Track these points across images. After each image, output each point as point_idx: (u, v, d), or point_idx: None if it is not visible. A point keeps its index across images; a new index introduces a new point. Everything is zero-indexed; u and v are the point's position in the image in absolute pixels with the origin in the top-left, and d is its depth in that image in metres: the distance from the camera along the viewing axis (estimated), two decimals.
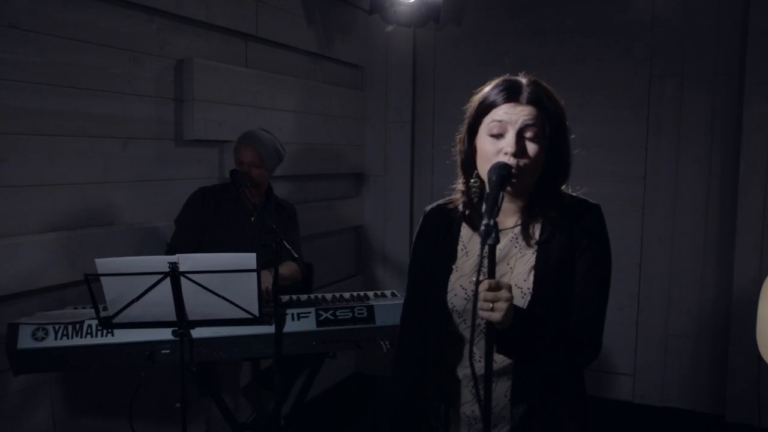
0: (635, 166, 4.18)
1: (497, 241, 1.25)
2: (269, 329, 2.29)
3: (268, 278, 2.52)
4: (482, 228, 1.24)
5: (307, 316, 2.37)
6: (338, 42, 4.31)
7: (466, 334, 1.53)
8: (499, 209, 1.30)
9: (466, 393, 1.54)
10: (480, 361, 1.50)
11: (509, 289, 1.32)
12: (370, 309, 2.44)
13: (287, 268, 2.80)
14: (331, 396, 4.32)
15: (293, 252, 2.31)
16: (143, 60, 2.95)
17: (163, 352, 2.25)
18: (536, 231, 1.52)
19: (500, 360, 1.47)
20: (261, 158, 2.91)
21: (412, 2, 3.98)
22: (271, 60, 3.76)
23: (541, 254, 1.49)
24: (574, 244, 1.50)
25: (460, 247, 1.58)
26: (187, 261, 2.02)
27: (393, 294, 2.82)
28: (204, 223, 2.90)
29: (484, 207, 1.29)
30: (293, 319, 2.36)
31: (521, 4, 4.34)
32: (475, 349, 1.51)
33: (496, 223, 1.26)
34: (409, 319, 1.67)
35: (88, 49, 2.67)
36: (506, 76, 1.55)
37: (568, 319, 1.47)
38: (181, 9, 3.07)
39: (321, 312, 2.40)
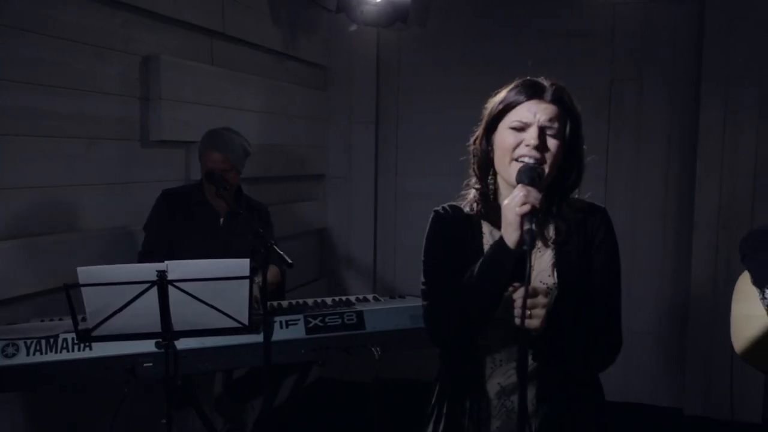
0: (596, 167, 4.27)
1: (533, 246, 1.23)
2: (257, 338, 2.20)
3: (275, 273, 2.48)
4: (526, 235, 1.22)
5: (295, 324, 2.29)
6: (303, 41, 4.22)
7: (493, 342, 1.50)
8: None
9: (496, 404, 1.51)
10: (501, 365, 1.50)
11: (545, 294, 1.31)
12: (360, 315, 2.38)
13: (272, 273, 2.71)
14: (296, 403, 4.22)
15: (286, 257, 2.22)
16: (107, 56, 2.79)
17: (145, 365, 2.12)
18: (550, 231, 1.53)
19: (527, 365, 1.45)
20: (229, 162, 2.80)
21: (378, 2, 3.94)
22: (236, 58, 3.65)
23: (560, 252, 1.51)
24: (588, 241, 1.53)
25: (485, 246, 1.55)
26: (176, 269, 1.92)
27: (375, 298, 2.77)
28: (173, 227, 2.77)
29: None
30: (282, 327, 2.28)
31: (485, 7, 4.36)
32: (498, 357, 1.49)
33: (532, 231, 1.24)
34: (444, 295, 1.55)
35: (49, 43, 2.51)
36: (527, 77, 1.53)
37: (592, 315, 1.47)
38: (146, 2, 2.93)
39: (310, 319, 2.32)
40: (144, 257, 2.69)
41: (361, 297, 2.76)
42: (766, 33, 3.83)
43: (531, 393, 1.48)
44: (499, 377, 1.51)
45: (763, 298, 2.44)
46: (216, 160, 2.79)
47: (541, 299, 1.30)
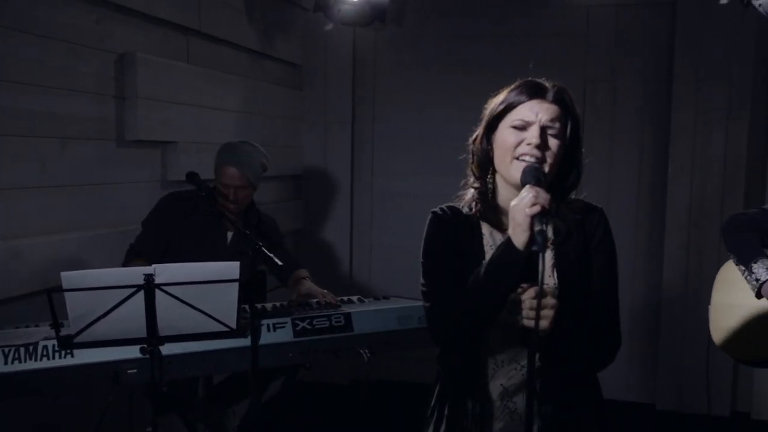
0: None
1: (546, 248, 1.23)
2: (245, 342, 2.16)
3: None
4: (537, 236, 1.21)
5: (283, 327, 2.25)
6: (278, 40, 4.17)
7: (496, 343, 1.50)
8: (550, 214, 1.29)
9: (498, 405, 1.51)
10: (503, 366, 1.50)
11: (553, 294, 1.31)
12: (347, 317, 2.35)
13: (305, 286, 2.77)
14: (282, 407, 4.16)
15: (276, 259, 2.18)
16: (82, 53, 2.71)
17: (129, 372, 2.06)
18: (549, 232, 1.52)
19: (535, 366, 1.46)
20: (247, 180, 2.72)
21: (356, 1, 3.91)
22: (212, 57, 3.58)
23: (560, 253, 1.52)
24: (587, 241, 1.54)
25: (486, 246, 1.54)
26: (164, 272, 1.87)
27: (360, 300, 2.75)
28: (175, 233, 2.69)
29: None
30: (269, 330, 2.23)
31: (461, 7, 4.37)
32: (501, 358, 1.49)
33: (544, 232, 1.24)
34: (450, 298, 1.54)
35: (21, 39, 2.41)
36: (528, 78, 1.54)
37: (592, 315, 1.48)
38: None
39: (297, 321, 2.28)
40: (132, 253, 2.62)
41: (345, 299, 2.73)
42: (735, 37, 3.92)
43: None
44: (502, 378, 1.51)
45: (751, 273, 2.49)
46: (233, 176, 2.69)
47: (550, 300, 1.30)
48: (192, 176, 2.63)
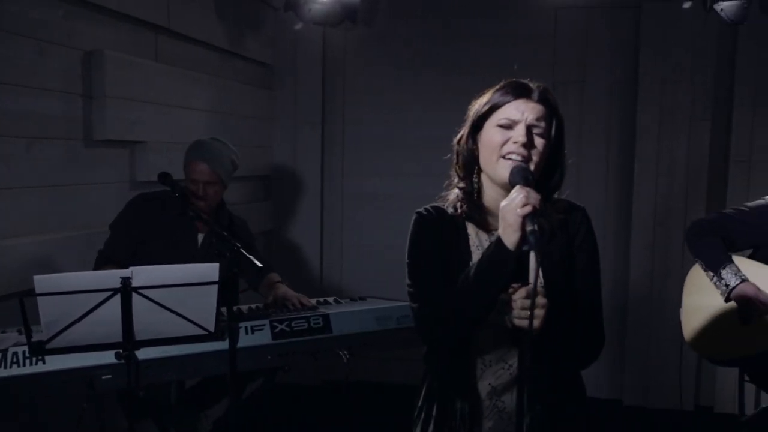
0: None
1: (540, 248, 1.24)
2: (223, 345, 2.12)
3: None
4: (530, 236, 1.22)
5: (261, 329, 2.22)
6: (248, 39, 4.12)
7: (484, 343, 1.50)
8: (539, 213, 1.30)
9: (488, 404, 1.51)
10: (491, 365, 1.51)
11: (544, 294, 1.32)
12: (326, 318, 2.33)
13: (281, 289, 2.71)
14: (260, 409, 4.10)
15: (255, 261, 2.15)
16: (49, 50, 2.62)
17: (104, 377, 2.00)
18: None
19: (515, 365, 1.48)
20: (217, 176, 2.69)
21: (326, 1, 3.89)
22: (182, 55, 3.52)
23: (545, 252, 1.51)
24: (570, 240, 1.56)
25: (472, 247, 1.54)
26: (141, 275, 1.83)
27: (336, 301, 2.73)
28: (145, 235, 2.63)
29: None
30: (247, 333, 2.20)
31: (431, 8, 4.38)
32: (489, 357, 1.49)
33: (536, 232, 1.25)
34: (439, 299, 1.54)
35: None
36: (513, 79, 1.55)
37: (577, 314, 1.50)
38: None
39: (276, 324, 2.25)
40: (102, 258, 2.55)
41: (321, 300, 2.71)
42: (698, 40, 4.02)
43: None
44: (490, 377, 1.51)
45: (720, 279, 2.56)
46: (202, 172, 2.66)
47: (541, 299, 1.31)
48: (164, 177, 2.58)
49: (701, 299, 2.73)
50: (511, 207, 1.32)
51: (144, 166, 3.14)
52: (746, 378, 2.80)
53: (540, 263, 1.20)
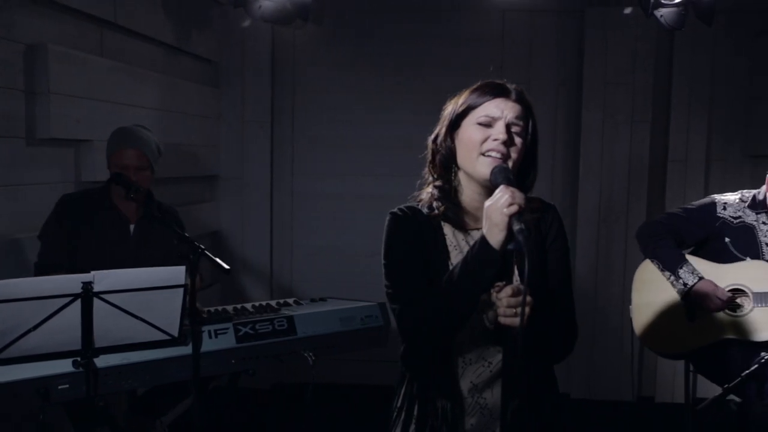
0: None
1: (522, 246, 1.25)
2: (186, 350, 2.06)
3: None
4: (519, 235, 1.23)
5: (225, 332, 2.17)
6: (195, 35, 4.01)
7: (464, 342, 1.51)
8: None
9: (470, 402, 1.52)
10: (471, 363, 1.52)
11: (528, 292, 1.33)
12: (290, 320, 2.30)
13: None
14: (224, 412, 4.00)
15: (222, 263, 2.09)
16: None
17: (60, 387, 1.90)
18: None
19: (497, 362, 1.49)
20: (147, 160, 2.60)
21: None
22: (127, 51, 3.39)
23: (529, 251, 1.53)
24: (543, 238, 1.58)
25: (450, 247, 1.55)
26: (104, 279, 1.75)
27: (296, 302, 2.70)
28: (75, 237, 2.52)
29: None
30: (210, 337, 2.14)
31: (380, 8, 4.38)
32: (469, 356, 1.51)
33: (524, 231, 1.26)
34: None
35: None
36: (488, 80, 1.57)
37: (554, 309, 1.53)
38: None
39: (240, 327, 2.21)
40: (42, 270, 2.43)
41: (281, 301, 2.67)
42: (638, 43, 4.18)
43: (500, 389, 1.51)
44: (471, 375, 1.52)
45: (678, 279, 2.67)
46: (131, 157, 2.58)
47: (527, 297, 1.32)
48: (118, 177, 2.49)
49: (651, 296, 2.83)
50: (497, 207, 1.33)
51: (90, 166, 3.02)
52: (691, 368, 2.92)
53: (529, 261, 1.22)
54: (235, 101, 4.41)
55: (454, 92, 1.66)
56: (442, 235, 1.56)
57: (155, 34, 3.58)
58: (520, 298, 1.31)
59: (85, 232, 2.56)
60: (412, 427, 1.54)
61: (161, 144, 2.83)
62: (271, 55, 4.40)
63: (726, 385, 2.23)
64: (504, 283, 1.35)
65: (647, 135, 4.26)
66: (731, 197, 2.77)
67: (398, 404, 1.60)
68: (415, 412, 1.54)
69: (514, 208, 1.31)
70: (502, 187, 1.37)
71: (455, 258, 1.52)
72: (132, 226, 2.67)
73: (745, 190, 2.79)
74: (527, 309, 1.30)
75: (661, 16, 3.70)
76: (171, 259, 2.66)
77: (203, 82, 4.25)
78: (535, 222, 1.58)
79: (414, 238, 1.54)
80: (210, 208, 4.40)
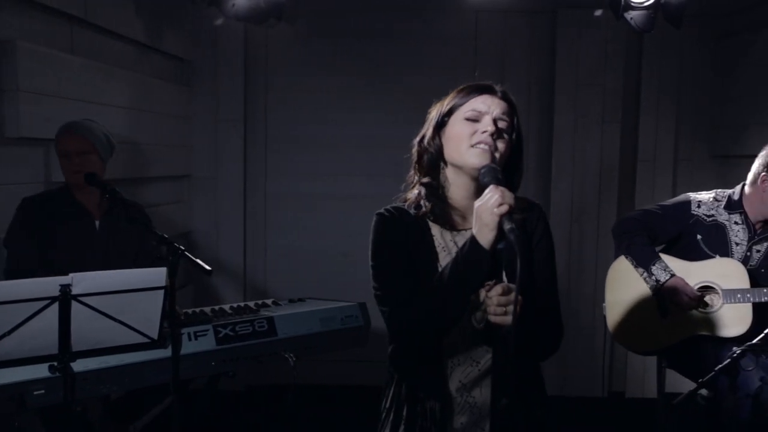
0: None
1: (514, 245, 1.26)
2: (165, 353, 2.03)
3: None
4: (510, 235, 1.24)
5: (205, 334, 2.14)
6: (166, 33, 3.95)
7: (453, 342, 1.52)
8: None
9: (459, 401, 1.53)
10: (460, 363, 1.53)
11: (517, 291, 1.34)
12: (270, 321, 2.28)
13: None
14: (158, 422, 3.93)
15: (203, 264, 2.06)
16: None
17: (36, 393, 1.86)
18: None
19: (485, 361, 1.50)
20: (90, 144, 2.58)
21: None
22: (98, 48, 3.32)
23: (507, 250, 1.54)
24: (529, 237, 1.60)
25: (438, 248, 1.55)
26: (82, 282, 1.71)
27: (275, 303, 2.68)
28: (40, 238, 2.47)
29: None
30: (190, 339, 2.11)
31: (354, 7, 4.37)
32: (458, 356, 1.52)
33: (515, 230, 1.27)
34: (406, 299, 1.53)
35: None
36: (472, 82, 1.58)
37: (537, 308, 1.54)
38: None
39: (220, 329, 2.18)
40: (11, 276, 2.37)
41: (259, 302, 2.65)
42: (608, 45, 4.25)
43: (488, 387, 1.52)
44: (459, 375, 1.53)
45: (651, 275, 2.72)
46: (69, 141, 2.56)
47: (514, 296, 1.33)
48: (91, 177, 2.44)
49: (623, 294, 2.89)
50: (488, 207, 1.34)
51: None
52: (664, 364, 2.98)
53: (520, 260, 1.23)
54: (207, 100, 4.36)
55: (428, 92, 1.66)
56: (430, 236, 1.56)
57: (126, 32, 3.52)
58: (511, 297, 1.32)
59: (50, 233, 2.51)
60: (401, 428, 1.54)
61: (116, 138, 2.81)
62: (244, 53, 4.35)
63: (700, 380, 2.27)
64: (494, 281, 1.36)
65: (617, 135, 4.34)
66: (705, 196, 2.84)
67: (387, 405, 1.59)
68: (404, 413, 1.54)
69: (505, 208, 1.32)
70: (491, 187, 1.38)
71: (443, 259, 1.53)
72: (97, 222, 2.64)
73: (719, 190, 2.86)
74: (518, 307, 1.31)
75: (631, 18, 3.77)
76: (144, 257, 2.63)
77: (175, 80, 4.19)
78: (521, 221, 1.59)
79: (402, 239, 1.54)
80: (182, 208, 4.34)
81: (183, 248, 2.09)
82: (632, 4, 3.57)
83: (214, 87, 4.35)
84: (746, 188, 2.77)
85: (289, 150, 4.46)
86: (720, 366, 2.31)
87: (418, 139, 1.63)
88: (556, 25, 4.28)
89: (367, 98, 4.39)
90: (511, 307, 1.32)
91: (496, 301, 1.33)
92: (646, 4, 3.57)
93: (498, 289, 1.34)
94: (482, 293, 1.39)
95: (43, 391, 1.87)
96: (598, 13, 4.19)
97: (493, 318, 1.35)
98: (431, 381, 1.53)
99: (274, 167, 4.49)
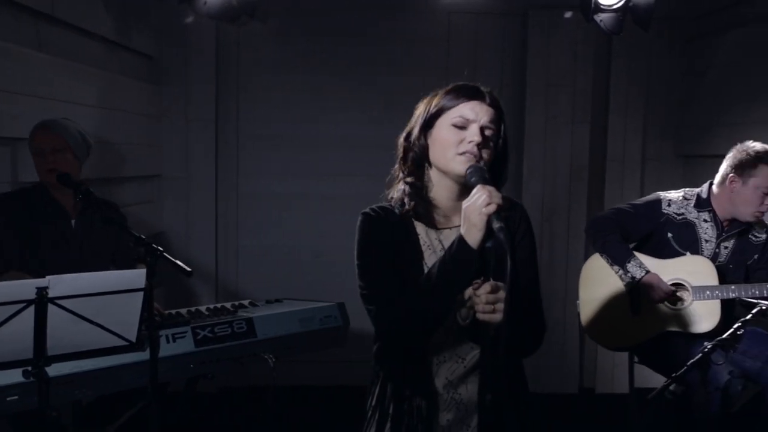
0: None
1: (503, 244, 1.27)
2: (142, 356, 1.99)
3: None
4: (499, 233, 1.25)
5: (183, 336, 2.11)
6: (135, 30, 3.88)
7: (439, 340, 1.52)
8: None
9: (445, 398, 1.53)
10: (445, 361, 1.53)
11: (504, 288, 1.35)
12: (249, 322, 2.26)
13: None
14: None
15: (183, 265, 2.03)
16: None
17: (9, 399, 1.81)
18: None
19: (470, 358, 1.51)
20: (64, 141, 2.54)
21: None
22: (65, 45, 3.24)
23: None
24: (512, 236, 1.61)
25: (423, 246, 1.55)
26: (59, 284, 1.66)
27: (252, 304, 2.65)
28: (14, 237, 2.40)
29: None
30: (168, 341, 2.08)
31: (327, 6, 4.35)
32: (443, 354, 1.52)
33: (504, 228, 1.28)
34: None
35: None
36: (461, 82, 1.58)
37: (521, 306, 1.56)
38: None
39: (198, 330, 2.15)
40: None
41: (236, 303, 2.63)
42: (578, 46, 4.31)
43: (474, 384, 1.53)
44: (445, 372, 1.54)
45: (626, 272, 2.78)
46: (48, 139, 2.52)
47: (502, 294, 1.35)
48: (65, 177, 2.38)
49: (596, 292, 2.94)
50: (476, 206, 1.35)
51: (28, 166, 2.86)
52: (636, 360, 3.04)
53: (510, 259, 1.24)
54: (178, 99, 4.29)
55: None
56: (415, 235, 1.56)
57: (94, 28, 3.44)
58: (499, 295, 1.33)
59: (24, 232, 2.47)
60: (388, 426, 1.54)
61: (91, 137, 2.77)
62: (215, 52, 4.30)
63: (673, 374, 2.32)
64: (482, 279, 1.37)
65: (587, 135, 4.40)
66: (675, 195, 2.91)
67: (372, 403, 1.59)
68: (390, 411, 1.54)
69: (492, 207, 1.33)
70: (478, 186, 1.38)
71: (429, 257, 1.53)
72: (73, 221, 2.60)
73: (687, 189, 2.93)
74: (503, 305, 1.32)
75: (601, 21, 3.84)
76: (122, 257, 2.58)
77: (145, 79, 4.12)
78: (504, 220, 1.60)
79: (387, 238, 1.54)
80: (152, 209, 4.27)
81: (161, 249, 2.05)
82: (602, 6, 3.64)
83: (185, 86, 4.28)
84: (714, 188, 2.84)
85: (262, 150, 4.42)
86: (692, 360, 2.36)
87: (404, 134, 1.63)
88: (527, 27, 4.33)
89: (340, 98, 4.37)
90: (499, 305, 1.33)
91: (485, 299, 1.34)
92: (615, 6, 3.64)
93: (486, 287, 1.35)
94: (469, 291, 1.40)
95: (16, 397, 1.82)
96: (568, 15, 4.26)
97: (481, 316, 1.36)
98: (417, 379, 1.53)
99: (246, 167, 4.45)
